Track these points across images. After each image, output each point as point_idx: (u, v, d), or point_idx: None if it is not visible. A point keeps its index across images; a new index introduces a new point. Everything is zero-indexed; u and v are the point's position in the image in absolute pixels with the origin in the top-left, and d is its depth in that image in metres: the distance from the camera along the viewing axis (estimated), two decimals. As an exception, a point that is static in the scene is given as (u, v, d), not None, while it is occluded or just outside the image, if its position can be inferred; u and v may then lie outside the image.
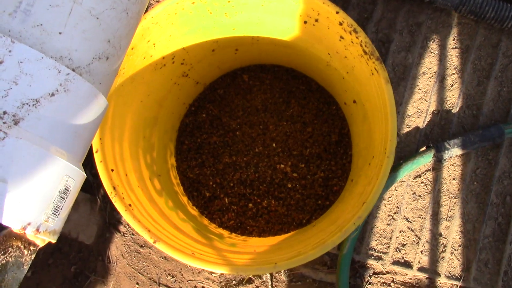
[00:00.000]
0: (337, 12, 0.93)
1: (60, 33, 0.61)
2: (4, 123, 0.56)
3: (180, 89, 1.28)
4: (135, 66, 1.03)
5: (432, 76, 1.41)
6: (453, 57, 1.41)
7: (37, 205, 0.58)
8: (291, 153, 1.34)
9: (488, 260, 1.34)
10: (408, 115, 1.40)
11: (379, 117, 0.97)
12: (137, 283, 1.46)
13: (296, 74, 1.40)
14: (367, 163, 1.06)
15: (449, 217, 1.36)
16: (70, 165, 0.61)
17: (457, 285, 1.35)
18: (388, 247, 1.35)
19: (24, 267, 0.60)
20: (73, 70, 0.62)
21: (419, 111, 1.40)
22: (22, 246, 0.59)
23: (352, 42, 0.96)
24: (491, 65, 1.40)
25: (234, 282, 1.43)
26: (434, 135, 1.39)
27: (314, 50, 1.15)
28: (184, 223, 1.12)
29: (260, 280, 1.41)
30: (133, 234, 1.48)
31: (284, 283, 1.41)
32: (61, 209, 0.61)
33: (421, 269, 1.34)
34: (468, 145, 1.32)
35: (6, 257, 0.57)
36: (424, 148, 1.36)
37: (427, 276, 1.35)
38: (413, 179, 1.37)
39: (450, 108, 1.39)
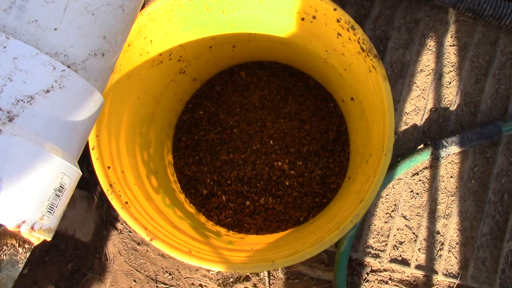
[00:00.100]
0: (335, 9, 0.93)
1: (55, 29, 0.60)
2: (-2, 120, 0.56)
3: (177, 86, 1.28)
4: (131, 63, 1.02)
5: (430, 73, 1.40)
6: (451, 55, 1.41)
7: (32, 203, 0.57)
8: (288, 151, 1.34)
9: (485, 258, 1.34)
10: (406, 112, 1.39)
11: (376, 114, 0.97)
12: (134, 281, 1.45)
13: (293, 71, 1.39)
14: (365, 161, 1.05)
15: (447, 215, 1.36)
16: (65, 163, 0.60)
17: (454, 283, 1.35)
18: (386, 245, 1.35)
19: (19, 265, 0.59)
20: (69, 67, 0.61)
21: (417, 109, 1.39)
22: (17, 244, 0.59)
23: (349, 39, 0.96)
24: (489, 63, 1.40)
25: (231, 279, 1.42)
26: (432, 133, 1.39)
27: (311, 47, 1.14)
28: (181, 221, 1.12)
29: (257, 278, 1.41)
30: (130, 232, 1.47)
31: (281, 281, 1.41)
32: (56, 207, 0.60)
33: (418, 267, 1.34)
34: (465, 143, 1.32)
35: (1, 255, 0.57)
36: (421, 145, 1.36)
37: (424, 274, 1.35)
38: (411, 176, 1.37)
39: (448, 106, 1.39)
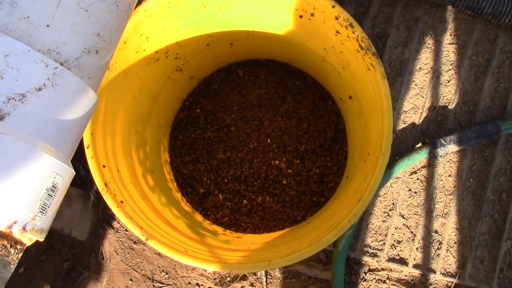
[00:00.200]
0: (333, 6, 0.92)
1: (47, 25, 0.59)
2: (-11, 118, 0.54)
3: (174, 84, 1.27)
4: (127, 60, 1.01)
5: (429, 71, 1.39)
6: (450, 53, 1.40)
7: (23, 203, 0.56)
8: (286, 149, 1.33)
9: (483, 257, 1.33)
10: (404, 111, 1.39)
11: (375, 113, 0.96)
12: (131, 280, 1.45)
13: (291, 69, 1.38)
14: (363, 160, 1.05)
15: (445, 214, 1.35)
16: (58, 162, 0.59)
17: (452, 282, 1.34)
18: (384, 244, 1.35)
19: (11, 266, 0.58)
20: (61, 64, 0.60)
21: (415, 107, 1.39)
22: (8, 245, 0.58)
23: (348, 37, 0.95)
24: (488, 61, 1.39)
25: (228, 278, 1.42)
26: (430, 131, 1.38)
27: (309, 45, 1.13)
28: (178, 220, 1.11)
29: (254, 277, 1.40)
30: (126, 231, 1.46)
31: (278, 280, 1.40)
32: (48, 207, 0.59)
33: (416, 266, 1.34)
34: (464, 142, 1.31)
35: (-8, 256, 0.56)
36: (420, 144, 1.36)
37: (422, 273, 1.35)
38: (409, 175, 1.36)
39: (447, 104, 1.38)
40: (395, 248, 1.35)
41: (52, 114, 0.59)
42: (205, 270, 1.43)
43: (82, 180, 1.47)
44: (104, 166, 0.93)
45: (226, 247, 1.06)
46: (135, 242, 1.46)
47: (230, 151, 1.34)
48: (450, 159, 1.36)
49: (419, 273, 1.35)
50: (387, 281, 1.36)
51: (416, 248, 1.34)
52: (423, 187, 1.36)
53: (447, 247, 1.34)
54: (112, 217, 1.47)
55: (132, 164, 1.08)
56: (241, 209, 1.30)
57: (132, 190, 1.01)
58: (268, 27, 1.13)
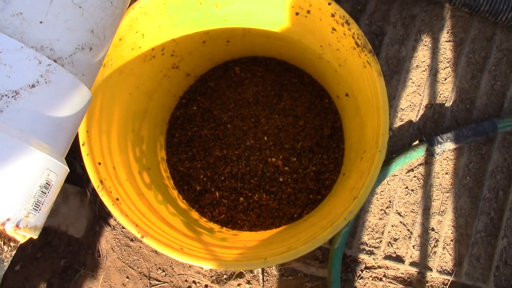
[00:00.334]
0: (329, 3, 0.91)
1: (41, 22, 0.58)
2: (-18, 115, 0.54)
3: (170, 81, 1.26)
4: (123, 58, 1.01)
5: (426, 69, 1.39)
6: (447, 50, 1.40)
7: (16, 200, 0.56)
8: (282, 147, 1.33)
9: (480, 255, 1.34)
10: (401, 108, 1.38)
11: (371, 110, 0.96)
12: (127, 277, 1.44)
13: (288, 67, 1.38)
14: (359, 157, 1.05)
15: (442, 211, 1.35)
16: (51, 159, 0.59)
17: (448, 280, 1.34)
18: (380, 241, 1.35)
19: (4, 263, 0.58)
20: (55, 61, 0.60)
21: (412, 105, 1.38)
22: (2, 243, 0.57)
23: (344, 34, 0.95)
24: (485, 59, 1.39)
25: (225, 276, 1.42)
26: (427, 129, 1.38)
27: (306, 42, 1.13)
28: (174, 217, 1.11)
29: (251, 275, 1.40)
30: (123, 228, 1.46)
31: (275, 278, 1.40)
32: (42, 204, 0.59)
33: (413, 264, 1.34)
34: (461, 139, 1.31)
35: (-15, 254, 0.56)
36: (417, 142, 1.36)
37: (418, 270, 1.35)
38: (406, 173, 1.36)
39: (444, 102, 1.38)
40: (392, 246, 1.35)
41: (45, 111, 0.59)
42: (202, 268, 1.43)
43: (78, 177, 1.47)
44: (99, 164, 0.93)
45: (222, 244, 1.06)
46: (131, 240, 1.46)
47: (227, 149, 1.34)
48: (447, 157, 1.37)
49: (416, 271, 1.35)
50: (384, 278, 1.36)
51: (413, 246, 1.35)
52: (419, 185, 1.36)
53: (444, 244, 1.34)
54: (108, 214, 1.47)
55: (128, 162, 1.08)
56: (238, 207, 1.30)
57: (128, 187, 1.00)
58: (264, 24, 1.13)
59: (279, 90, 1.37)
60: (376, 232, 1.35)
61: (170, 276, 1.43)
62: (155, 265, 1.44)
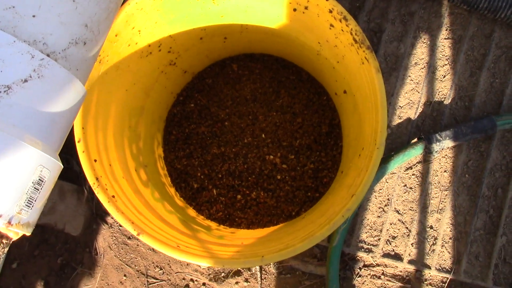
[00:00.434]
0: (327, 0, 0.91)
1: (33, 16, 0.58)
2: (-26, 110, 0.53)
3: (167, 78, 1.26)
4: (119, 54, 1.00)
5: (424, 66, 1.39)
6: (446, 48, 1.39)
7: (8, 197, 0.55)
8: (280, 144, 1.32)
9: (479, 253, 1.33)
10: (400, 106, 1.38)
11: (369, 107, 0.95)
12: (125, 275, 1.44)
13: (286, 64, 1.37)
14: (357, 155, 1.04)
15: (440, 209, 1.34)
16: (45, 155, 0.58)
17: (447, 278, 1.34)
18: (379, 239, 1.34)
19: (-3, 260, 0.57)
20: (48, 55, 0.59)
21: (411, 102, 1.38)
22: (-6, 239, 0.57)
23: (342, 30, 0.94)
24: (484, 56, 1.39)
25: (223, 274, 1.41)
26: (426, 127, 1.37)
27: (304, 39, 1.12)
28: (171, 215, 1.10)
29: (249, 273, 1.40)
30: (120, 226, 1.45)
31: (273, 276, 1.39)
32: (35, 200, 0.58)
33: (411, 262, 1.33)
34: (460, 137, 1.31)
35: (-23, 251, 0.55)
36: (415, 139, 1.35)
37: (417, 268, 1.34)
38: (404, 171, 1.36)
39: (442, 99, 1.38)
40: (390, 244, 1.34)
41: (38, 106, 0.58)
42: (200, 266, 1.42)
43: (75, 175, 1.46)
44: (95, 161, 0.92)
45: (219, 242, 1.05)
46: (129, 238, 1.45)
47: (224, 146, 1.33)
48: (446, 155, 1.36)
49: (414, 269, 1.35)
50: (382, 276, 1.36)
51: (411, 244, 1.34)
52: (418, 183, 1.36)
53: (442, 242, 1.34)
54: (106, 212, 1.46)
55: (125, 159, 1.07)
56: (235, 204, 1.30)
57: (124, 184, 1.00)
58: (262, 20, 1.12)
59: (277, 87, 1.36)
60: (375, 230, 1.34)
61: (167, 274, 1.43)
62: (153, 263, 1.44)
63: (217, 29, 1.17)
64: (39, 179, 0.58)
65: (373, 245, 1.34)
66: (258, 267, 1.39)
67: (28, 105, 0.57)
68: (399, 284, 1.35)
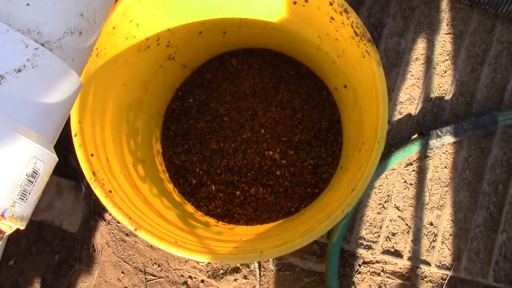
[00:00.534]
0: (327, -8, 0.89)
1: (27, 4, 0.56)
2: (-34, 101, 0.52)
3: (166, 73, 1.24)
4: (117, 47, 0.98)
5: (425, 62, 1.38)
6: (447, 43, 1.38)
7: (1, 189, 0.54)
8: (280, 140, 1.31)
9: (479, 249, 1.32)
10: (400, 101, 1.37)
11: (370, 101, 0.94)
12: (123, 272, 1.43)
13: (286, 59, 1.36)
14: (357, 150, 1.03)
15: (441, 206, 1.33)
16: (39, 147, 0.57)
17: (447, 275, 1.33)
18: (378, 236, 1.33)
19: (-9, 254, 0.56)
20: (42, 45, 0.58)
21: (411, 98, 1.37)
22: (-13, 233, 0.56)
23: (343, 23, 0.93)
24: (485, 51, 1.37)
25: (221, 271, 1.40)
26: (427, 122, 1.36)
27: (304, 33, 1.11)
28: (169, 211, 1.09)
29: (248, 269, 1.39)
30: (118, 223, 1.44)
31: (272, 272, 1.38)
32: (29, 193, 0.57)
33: (411, 259, 1.32)
34: (460, 133, 1.30)
35: (-31, 244, 0.54)
36: (416, 135, 1.34)
37: (417, 265, 1.33)
38: (405, 167, 1.35)
39: (443, 95, 1.36)
40: (390, 241, 1.33)
41: (32, 97, 0.56)
42: (198, 263, 1.41)
43: (73, 171, 1.45)
44: (92, 155, 0.91)
45: (218, 238, 1.04)
46: (127, 235, 1.44)
47: (223, 142, 1.32)
48: (446, 151, 1.35)
49: (414, 266, 1.34)
50: (382, 273, 1.35)
51: (411, 241, 1.33)
52: (418, 179, 1.35)
53: (442, 239, 1.33)
54: (103, 209, 1.45)
55: (122, 154, 1.06)
56: (234, 201, 1.29)
57: (121, 180, 0.98)
58: (261, 14, 1.11)
59: (277, 82, 1.35)
60: (374, 227, 1.33)
61: (165, 271, 1.42)
62: (151, 260, 1.43)
63: (216, 23, 1.16)
64: (33, 172, 0.57)
65: (373, 242, 1.33)
66: (257, 264, 1.38)
67: (22, 95, 0.55)
68: (399, 281, 1.34)
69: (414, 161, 1.35)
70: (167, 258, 1.42)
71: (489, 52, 1.37)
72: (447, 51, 1.38)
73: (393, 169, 1.34)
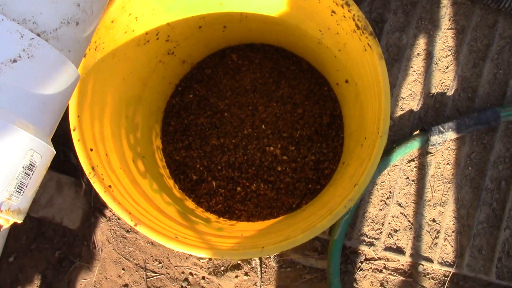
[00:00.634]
0: (329, -16, 0.88)
1: (23, -7, 0.55)
2: (-39, 92, 0.51)
3: (165, 68, 1.23)
4: (116, 41, 0.97)
5: (427, 57, 1.36)
6: (449, 38, 1.37)
7: (-3, 182, 0.53)
8: (281, 135, 1.30)
9: (482, 246, 1.31)
10: (402, 97, 1.36)
11: (372, 95, 0.93)
12: (123, 269, 1.42)
13: (286, 54, 1.35)
14: (359, 145, 1.02)
15: (443, 202, 1.32)
16: (35, 139, 0.56)
17: (450, 272, 1.32)
18: (380, 232, 1.32)
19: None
20: (38, 35, 0.57)
21: (413, 94, 1.36)
22: (-17, 226, 0.55)
23: (344, 16, 0.91)
24: (487, 47, 1.36)
25: (222, 268, 1.39)
26: (428, 118, 1.35)
27: (305, 27, 1.10)
28: (169, 206, 1.08)
29: (249, 266, 1.38)
30: (118, 219, 1.44)
31: (273, 269, 1.37)
32: (26, 186, 0.56)
33: (413, 255, 1.32)
34: (463, 129, 1.28)
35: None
36: (417, 131, 1.33)
37: (419, 262, 1.32)
38: (407, 163, 1.34)
39: (445, 91, 1.35)
40: (392, 237, 1.32)
41: (29, 88, 0.55)
42: (199, 259, 1.40)
43: (73, 168, 1.45)
44: (91, 150, 0.90)
45: (219, 234, 1.03)
46: (127, 231, 1.43)
47: (224, 137, 1.31)
48: (449, 147, 1.34)
49: (416, 263, 1.33)
50: (384, 270, 1.34)
51: (413, 237, 1.32)
52: (420, 175, 1.34)
53: (445, 236, 1.32)
54: (104, 205, 1.44)
55: (122, 149, 1.05)
56: (235, 197, 1.28)
57: (121, 175, 0.98)
58: (261, 9, 1.10)
59: (277, 78, 1.34)
60: (376, 223, 1.32)
61: (166, 268, 1.41)
62: (151, 256, 1.42)
63: (216, 18, 1.15)
64: (30, 164, 0.56)
65: (375, 239, 1.32)
66: (258, 261, 1.37)
67: (18, 86, 0.54)
68: (401, 278, 1.33)
69: (416, 157, 1.34)
70: (168, 254, 1.41)
71: (491, 48, 1.35)
72: (449, 46, 1.37)
73: (395, 166, 1.33)
